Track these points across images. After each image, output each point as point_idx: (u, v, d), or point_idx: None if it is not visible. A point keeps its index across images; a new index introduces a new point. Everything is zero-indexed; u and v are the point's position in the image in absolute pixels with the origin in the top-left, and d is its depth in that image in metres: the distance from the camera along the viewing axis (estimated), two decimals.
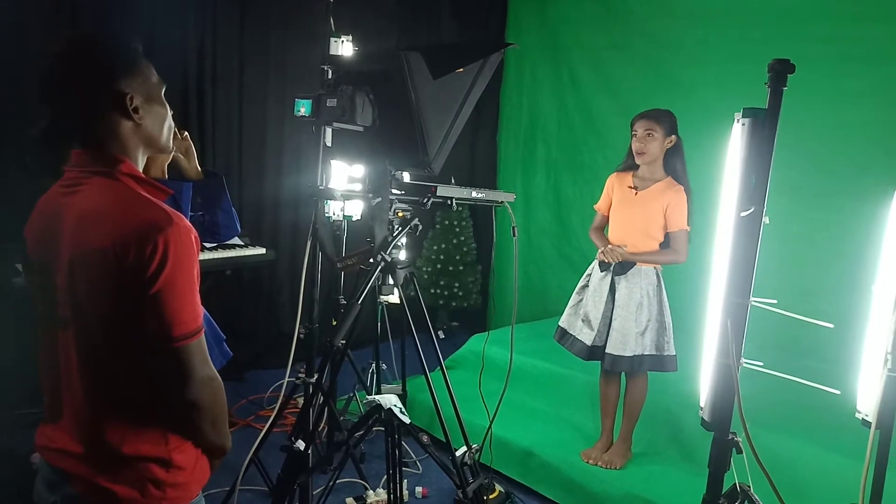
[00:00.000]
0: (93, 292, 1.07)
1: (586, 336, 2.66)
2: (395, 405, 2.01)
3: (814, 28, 3.48)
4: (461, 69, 1.75)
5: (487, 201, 2.05)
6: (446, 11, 4.81)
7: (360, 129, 1.84)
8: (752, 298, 1.49)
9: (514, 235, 2.08)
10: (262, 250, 3.34)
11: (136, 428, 1.12)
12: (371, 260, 1.93)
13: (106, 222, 1.05)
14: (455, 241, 4.80)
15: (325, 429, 2.89)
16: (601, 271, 2.67)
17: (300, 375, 2.55)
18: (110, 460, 1.11)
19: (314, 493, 2.42)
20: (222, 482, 2.46)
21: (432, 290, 4.77)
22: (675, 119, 2.57)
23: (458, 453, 1.99)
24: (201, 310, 1.12)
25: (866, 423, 1.55)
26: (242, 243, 3.27)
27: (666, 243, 2.62)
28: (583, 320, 2.69)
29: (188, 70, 3.58)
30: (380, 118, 1.82)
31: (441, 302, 4.80)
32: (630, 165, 2.69)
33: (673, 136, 2.57)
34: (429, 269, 4.80)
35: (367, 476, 2.75)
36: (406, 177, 2.04)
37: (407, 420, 2.00)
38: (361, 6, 3.99)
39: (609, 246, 2.62)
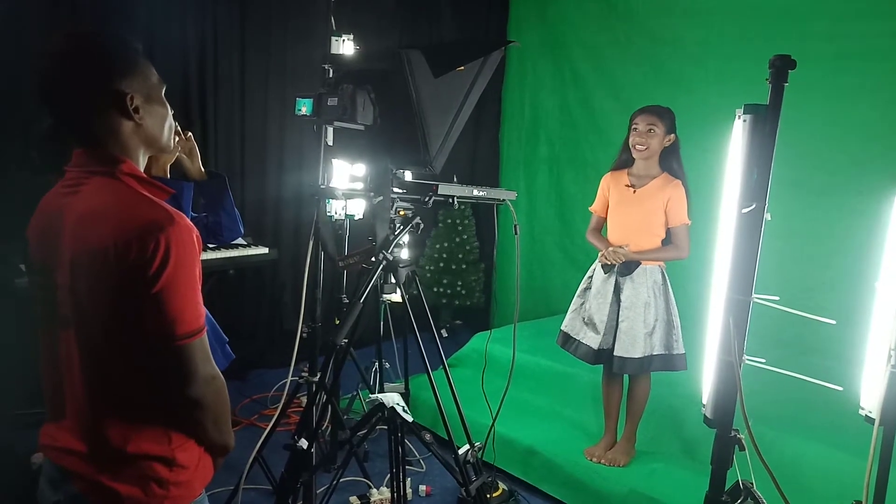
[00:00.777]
0: (94, 292, 1.07)
1: (591, 340, 2.63)
2: (398, 403, 2.01)
3: (814, 26, 3.47)
4: (462, 67, 1.75)
5: (489, 199, 2.05)
6: (447, 10, 4.81)
7: (362, 127, 1.84)
8: (754, 295, 1.49)
9: (515, 233, 2.08)
10: (265, 250, 3.34)
11: (139, 426, 1.12)
12: (373, 259, 1.93)
13: (107, 222, 1.05)
14: (458, 239, 4.80)
15: (329, 427, 2.90)
16: (604, 273, 2.64)
17: (303, 374, 2.56)
18: (113, 459, 1.11)
19: (318, 491, 2.43)
20: (226, 481, 2.47)
21: (435, 289, 4.77)
22: (674, 117, 2.56)
23: (460, 451, 2.00)
24: (203, 309, 1.12)
25: (870, 420, 1.55)
26: (245, 243, 3.28)
27: (667, 239, 2.61)
28: (586, 323, 2.67)
29: (189, 70, 3.59)
30: (381, 117, 1.82)
31: (444, 300, 4.80)
32: (624, 161, 2.67)
33: (672, 135, 2.56)
34: (432, 268, 4.80)
35: (371, 474, 2.76)
36: (408, 175, 2.04)
37: (409, 418, 2.00)
38: (362, 5, 4.00)
39: (610, 248, 2.59)
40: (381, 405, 2.01)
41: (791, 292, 1.67)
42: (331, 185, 2.51)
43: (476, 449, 2.03)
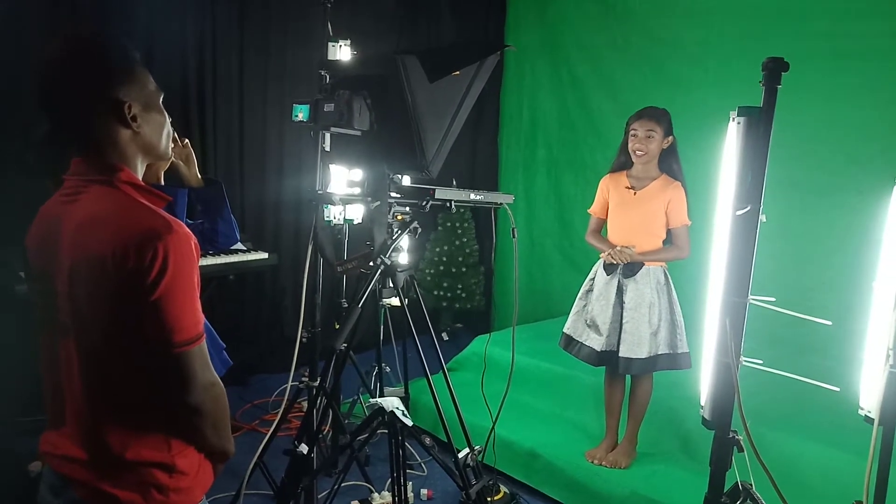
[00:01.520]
0: (93, 300, 1.08)
1: (595, 342, 2.63)
2: (398, 408, 2.01)
3: (811, 26, 3.48)
4: (457, 72, 1.76)
5: (486, 203, 2.06)
6: (445, 13, 4.81)
7: (358, 133, 1.85)
8: (750, 297, 1.49)
9: (513, 237, 2.09)
10: (265, 255, 3.35)
11: (139, 433, 1.12)
12: (371, 263, 1.94)
13: (105, 230, 1.06)
14: (457, 242, 4.81)
15: (330, 432, 2.90)
16: (607, 274, 2.64)
17: (304, 379, 2.56)
18: (113, 466, 1.11)
19: (319, 496, 2.43)
20: (227, 487, 2.47)
21: (435, 292, 4.78)
22: (671, 118, 2.57)
23: (460, 455, 2.00)
24: (202, 316, 1.13)
25: (869, 420, 1.55)
26: (245, 248, 3.28)
27: (667, 240, 2.62)
28: (589, 326, 2.67)
29: (188, 76, 3.60)
30: (377, 122, 1.83)
31: (444, 304, 4.80)
32: (622, 164, 2.68)
33: (670, 137, 2.57)
34: (431, 272, 4.80)
35: (372, 479, 2.75)
36: (405, 180, 2.05)
37: (409, 422, 2.00)
38: (360, 10, 4.01)
39: (617, 248, 2.58)
40: (381, 409, 2.02)
41: (788, 293, 1.67)
42: (328, 191, 2.52)
43: (476, 452, 2.03)
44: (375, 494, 2.60)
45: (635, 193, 2.62)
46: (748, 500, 1.58)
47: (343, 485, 2.50)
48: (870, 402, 1.56)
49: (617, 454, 2.70)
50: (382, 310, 2.96)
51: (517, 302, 2.34)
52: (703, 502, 1.62)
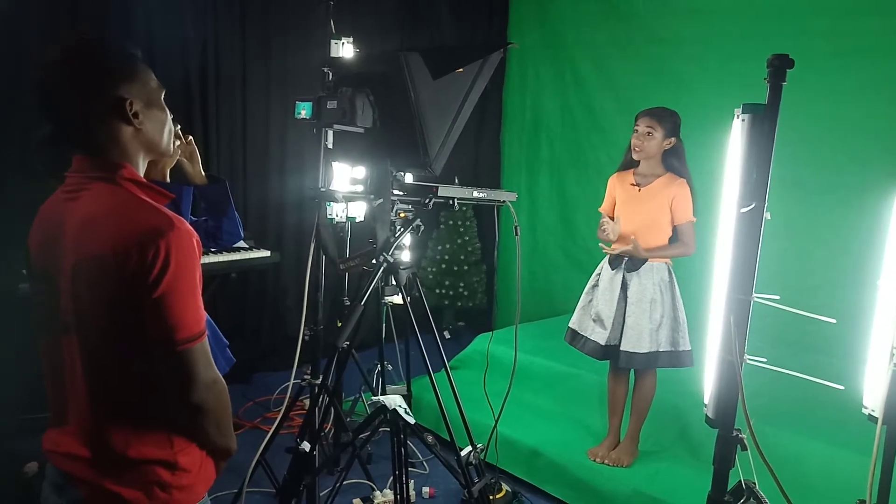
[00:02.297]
0: (96, 298, 1.07)
1: (599, 336, 2.64)
2: (400, 406, 2.01)
3: (814, 24, 3.47)
4: (461, 69, 1.76)
5: (489, 201, 2.06)
6: (447, 12, 4.81)
7: (361, 130, 1.84)
8: (754, 294, 1.49)
9: (516, 235, 2.09)
10: (267, 253, 3.35)
11: (141, 431, 1.12)
12: (373, 261, 1.94)
13: (108, 228, 1.06)
14: (459, 240, 4.80)
15: (332, 430, 2.90)
16: (612, 269, 2.66)
17: (306, 377, 2.56)
18: (116, 464, 1.11)
19: (321, 494, 2.43)
20: (230, 484, 2.47)
21: (437, 290, 4.77)
22: (678, 121, 2.56)
23: (462, 453, 2.00)
24: (204, 313, 1.13)
25: (873, 419, 1.54)
26: (247, 246, 3.28)
27: (674, 237, 2.62)
28: (594, 320, 2.68)
29: (190, 74, 3.60)
30: (380, 120, 1.82)
31: (446, 302, 4.80)
32: (629, 162, 2.69)
33: (673, 139, 2.56)
34: (434, 270, 4.80)
35: (374, 477, 2.76)
36: (408, 178, 2.05)
37: (412, 420, 2.00)
38: (362, 8, 4.01)
39: (603, 220, 2.60)
40: (383, 407, 2.02)
41: (793, 291, 1.66)
42: (331, 188, 2.52)
43: (478, 450, 2.03)
44: (377, 492, 2.60)
45: (640, 190, 2.62)
46: (752, 499, 1.58)
47: (345, 483, 2.50)
48: (873, 400, 1.55)
49: (619, 452, 2.70)
50: (385, 308, 2.96)
51: (520, 300, 2.33)
52: (707, 501, 1.62)
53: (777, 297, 1.46)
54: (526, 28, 4.87)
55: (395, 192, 1.93)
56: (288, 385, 2.57)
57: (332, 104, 1.79)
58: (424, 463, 2.96)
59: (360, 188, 2.30)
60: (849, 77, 3.39)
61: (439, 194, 1.86)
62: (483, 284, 4.94)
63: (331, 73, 2.42)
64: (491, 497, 2.53)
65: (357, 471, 2.70)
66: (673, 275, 2.63)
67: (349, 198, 2.30)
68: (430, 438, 2.04)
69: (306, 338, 2.53)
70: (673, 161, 2.59)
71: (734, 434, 1.56)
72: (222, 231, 1.68)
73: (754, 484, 1.60)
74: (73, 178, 1.15)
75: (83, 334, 1.11)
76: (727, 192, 1.55)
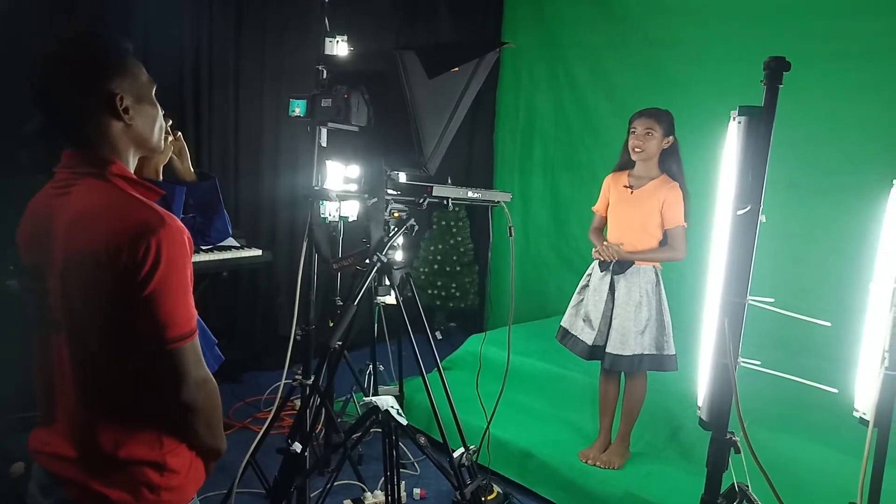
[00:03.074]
0: (86, 295, 1.06)
1: (587, 336, 2.66)
2: (392, 406, 2.00)
3: (811, 25, 3.48)
4: (456, 68, 1.75)
5: (484, 201, 2.05)
6: (443, 10, 4.81)
7: (356, 129, 1.83)
8: (749, 297, 1.49)
9: (510, 235, 2.08)
10: (259, 252, 3.32)
11: (130, 431, 1.11)
12: (367, 261, 1.92)
13: (98, 224, 1.04)
14: (452, 241, 4.79)
15: (323, 431, 2.88)
16: (601, 271, 2.67)
17: (297, 377, 2.54)
18: (104, 464, 1.10)
19: (312, 495, 2.41)
20: (219, 485, 2.45)
21: (429, 291, 4.76)
22: (672, 119, 2.58)
23: (455, 454, 1.99)
24: (195, 312, 1.11)
25: (864, 422, 1.55)
26: (239, 245, 3.26)
27: (664, 241, 2.62)
28: (584, 320, 2.69)
29: (184, 70, 3.57)
30: (375, 118, 1.81)
31: (438, 302, 4.79)
32: (625, 164, 2.69)
33: (671, 137, 2.58)
34: (426, 270, 4.79)
35: (365, 478, 2.74)
36: (402, 177, 2.03)
37: (404, 421, 1.99)
38: (357, 5, 3.99)
39: (605, 243, 2.62)
40: (375, 408, 2.00)
41: (787, 294, 1.66)
42: (324, 187, 2.50)
43: (470, 452, 2.02)
44: (368, 494, 2.59)
45: (632, 192, 2.63)
46: (745, 502, 1.58)
47: (336, 484, 2.49)
48: (865, 403, 1.56)
49: (610, 454, 2.70)
50: (377, 308, 2.94)
51: (513, 301, 2.33)
52: (700, 503, 1.62)
53: (772, 300, 1.46)
54: (520, 28, 4.87)
55: (390, 191, 1.92)
56: (279, 385, 2.55)
57: (326, 102, 1.78)
58: (416, 464, 2.95)
59: (353, 187, 2.28)
60: (846, 79, 3.40)
61: (434, 194, 1.85)
62: (475, 285, 4.93)
63: (325, 71, 2.41)
64: (483, 498, 2.52)
65: (348, 471, 2.68)
66: (660, 278, 2.64)
67: (342, 197, 2.28)
68: (422, 439, 2.03)
69: (298, 337, 2.51)
70: (671, 164, 2.60)
71: (728, 437, 1.56)
72: (211, 228, 1.67)
73: (747, 487, 1.60)
74: (63, 173, 1.13)
75: (72, 332, 1.09)
76: (722, 194, 1.55)
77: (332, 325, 2.72)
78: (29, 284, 1.16)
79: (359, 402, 3.13)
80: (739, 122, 1.44)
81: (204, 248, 2.93)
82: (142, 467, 1.11)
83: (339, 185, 2.50)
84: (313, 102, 1.84)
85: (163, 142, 1.25)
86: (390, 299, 2.08)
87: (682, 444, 2.77)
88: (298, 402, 2.84)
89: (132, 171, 1.17)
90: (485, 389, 2.35)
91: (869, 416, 1.52)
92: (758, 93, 1.44)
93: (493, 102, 5.09)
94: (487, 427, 2.31)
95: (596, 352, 2.65)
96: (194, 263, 1.12)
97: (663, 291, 2.63)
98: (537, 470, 2.78)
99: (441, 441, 2.01)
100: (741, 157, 1.45)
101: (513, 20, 4.95)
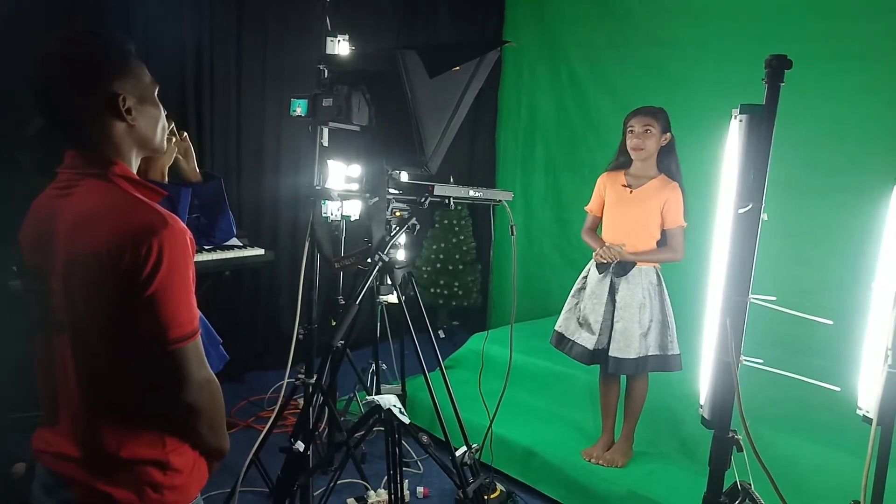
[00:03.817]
0: (88, 296, 1.06)
1: (586, 340, 2.62)
2: (395, 405, 2.00)
3: (812, 25, 3.47)
4: (457, 68, 1.75)
5: (485, 200, 2.05)
6: (443, 10, 4.80)
7: (357, 128, 1.83)
8: (751, 295, 1.49)
9: (512, 234, 2.08)
10: (262, 251, 3.33)
11: (134, 431, 1.11)
12: (369, 260, 1.93)
13: (100, 225, 1.05)
14: (455, 240, 4.80)
15: (326, 430, 2.89)
16: (599, 273, 2.63)
17: (300, 376, 2.55)
18: (107, 464, 1.10)
19: (315, 493, 2.42)
20: (223, 484, 2.46)
21: (432, 290, 4.77)
22: (668, 116, 2.57)
23: (457, 453, 1.99)
24: (197, 312, 1.12)
25: (867, 420, 1.54)
26: (241, 244, 3.26)
27: (662, 241, 2.61)
28: (581, 324, 2.66)
29: (186, 71, 3.58)
30: (376, 117, 1.81)
31: (441, 301, 4.79)
32: (622, 163, 2.67)
33: (668, 134, 2.56)
34: (428, 269, 4.79)
35: (368, 476, 2.75)
36: (403, 176, 2.04)
37: (406, 420, 2.00)
38: (359, 5, 3.99)
39: (606, 245, 2.59)
40: (378, 407, 2.01)
41: (789, 292, 1.66)
42: (326, 187, 2.50)
43: (473, 450, 2.03)
44: (371, 492, 2.60)
45: (631, 192, 2.61)
46: (747, 500, 1.58)
47: (339, 482, 2.49)
48: (868, 402, 1.56)
49: (613, 453, 2.70)
50: (379, 307, 2.94)
51: (515, 299, 2.33)
52: (703, 502, 1.62)
53: (773, 298, 1.46)
54: (522, 27, 4.87)
55: (391, 190, 1.92)
56: (282, 384, 2.55)
57: (327, 102, 1.78)
58: (419, 462, 2.95)
59: (355, 186, 2.28)
60: (847, 79, 3.39)
61: (436, 193, 1.85)
62: (478, 284, 4.93)
63: (326, 71, 2.41)
64: (486, 497, 2.52)
65: (351, 470, 2.69)
66: (661, 278, 2.61)
67: (344, 196, 2.29)
68: (424, 438, 2.03)
69: (300, 337, 2.52)
70: (670, 162, 2.58)
71: (730, 435, 1.56)
72: (216, 228, 1.67)
73: (750, 485, 1.60)
74: (65, 174, 1.13)
75: (75, 332, 1.10)
76: (724, 193, 1.55)
77: (334, 324, 2.73)
78: (32, 285, 1.16)
79: (362, 402, 3.14)
80: (741, 121, 1.44)
81: (207, 247, 2.94)
82: (145, 467, 1.11)
83: (341, 185, 2.50)
84: (314, 102, 1.84)
85: (165, 142, 1.26)
86: (392, 298, 2.08)
87: (686, 443, 2.77)
88: (302, 401, 2.85)
89: (135, 172, 1.17)
90: (488, 388, 2.35)
91: (872, 415, 1.52)
92: (759, 93, 1.44)
93: (495, 102, 5.09)
94: (490, 425, 2.31)
95: (596, 356, 2.61)
96: (197, 263, 1.12)
97: (665, 291, 2.61)
98: (540, 468, 2.78)
99: (444, 440, 2.02)
100: (743, 156, 1.44)
101: (514, 20, 4.95)
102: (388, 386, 3.05)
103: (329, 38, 2.46)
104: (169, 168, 1.52)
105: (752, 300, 1.49)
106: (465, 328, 4.83)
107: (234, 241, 3.21)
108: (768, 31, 3.59)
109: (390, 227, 1.95)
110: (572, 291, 2.75)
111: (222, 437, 1.20)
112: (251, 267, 3.58)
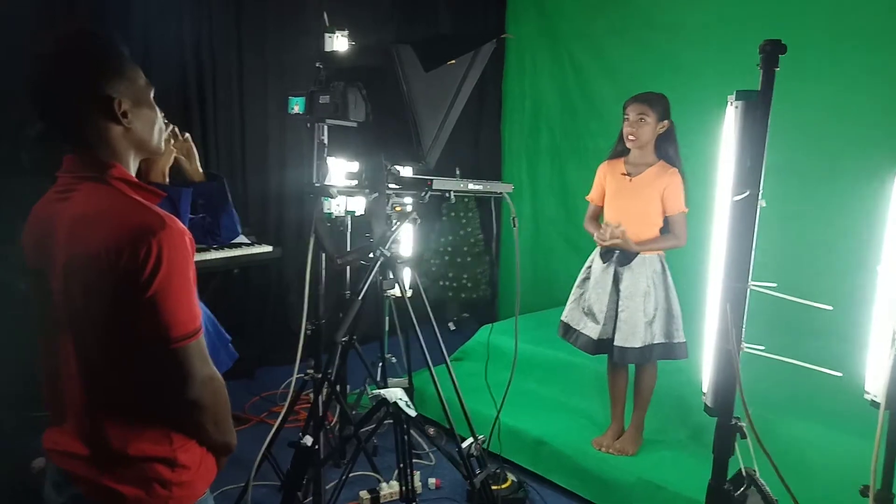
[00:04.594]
0: (89, 297, 1.08)
1: (591, 330, 2.62)
2: (401, 398, 2.02)
3: (814, 9, 3.43)
4: (453, 61, 1.75)
5: (486, 193, 2.05)
6: (444, 3, 4.78)
7: (354, 124, 1.84)
8: (750, 282, 1.48)
9: (514, 226, 2.08)
10: (269, 248, 3.35)
11: (139, 429, 1.13)
12: (370, 255, 1.94)
13: (99, 228, 1.06)
14: (462, 232, 4.80)
15: (338, 423, 2.92)
16: (603, 262, 2.63)
17: (309, 371, 2.57)
18: (115, 461, 1.12)
19: (328, 486, 2.45)
20: (236, 478, 2.49)
21: (441, 282, 4.78)
22: (668, 103, 2.53)
23: (464, 444, 2.00)
24: (199, 311, 1.13)
25: (875, 404, 1.53)
26: (248, 242, 3.29)
27: (664, 228, 2.59)
28: (586, 314, 2.65)
29: (187, 70, 3.59)
30: (373, 113, 1.81)
31: (450, 294, 4.80)
32: (621, 151, 2.65)
33: (666, 122, 2.53)
34: (437, 261, 4.80)
35: (380, 468, 2.77)
36: (405, 171, 2.04)
37: (413, 413, 2.01)
38: (357, 1, 3.98)
39: (603, 225, 2.55)
40: (385, 400, 2.03)
41: (790, 279, 1.65)
42: (326, 184, 2.51)
43: (479, 441, 2.04)
44: (383, 484, 2.62)
45: (631, 180, 2.59)
46: (752, 487, 1.58)
47: (351, 475, 2.52)
48: (875, 386, 1.54)
49: (623, 442, 2.70)
50: (387, 301, 2.96)
51: (519, 291, 2.33)
52: (707, 489, 1.62)
53: (773, 285, 1.45)
54: (523, 17, 4.84)
55: (391, 185, 1.93)
56: (292, 379, 2.58)
57: (324, 99, 1.79)
58: (430, 454, 2.97)
59: (355, 182, 2.29)
60: (849, 63, 3.34)
61: (434, 187, 1.86)
62: (486, 275, 4.93)
63: (323, 67, 2.41)
64: (496, 487, 2.54)
65: (363, 463, 2.71)
66: (666, 266, 2.60)
67: (345, 192, 2.29)
68: (431, 430, 2.05)
69: (309, 332, 2.54)
70: (668, 149, 2.56)
71: (733, 422, 1.56)
72: (220, 227, 1.69)
73: (755, 471, 1.60)
74: (64, 178, 1.15)
75: (77, 333, 1.11)
76: (722, 179, 1.54)
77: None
78: (34, 287, 1.18)
79: (369, 395, 3.16)
80: (737, 107, 1.43)
81: (214, 245, 2.96)
82: (152, 463, 1.13)
83: (343, 181, 2.51)
84: (311, 99, 1.85)
85: (163, 144, 1.27)
86: (396, 292, 2.09)
87: (695, 430, 2.76)
88: (312, 396, 2.87)
89: (134, 174, 1.19)
90: (497, 378, 2.36)
91: (880, 399, 1.51)
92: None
93: (499, 92, 5.07)
94: (497, 416, 2.32)
95: (602, 346, 2.61)
96: (205, 261, 1.14)
97: (670, 278, 2.59)
98: (550, 458, 2.79)
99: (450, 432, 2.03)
100: (739, 142, 1.43)
101: (515, 11, 4.92)
102: (395, 379, 3.07)
103: (327, 34, 2.45)
104: (172, 169, 1.54)
105: (752, 287, 1.48)
106: (476, 320, 4.84)
107: (242, 239, 3.24)
108: (769, 15, 3.54)
109: (391, 221, 1.95)
110: (577, 282, 2.75)
111: (228, 433, 1.21)
112: (259, 264, 3.61)
